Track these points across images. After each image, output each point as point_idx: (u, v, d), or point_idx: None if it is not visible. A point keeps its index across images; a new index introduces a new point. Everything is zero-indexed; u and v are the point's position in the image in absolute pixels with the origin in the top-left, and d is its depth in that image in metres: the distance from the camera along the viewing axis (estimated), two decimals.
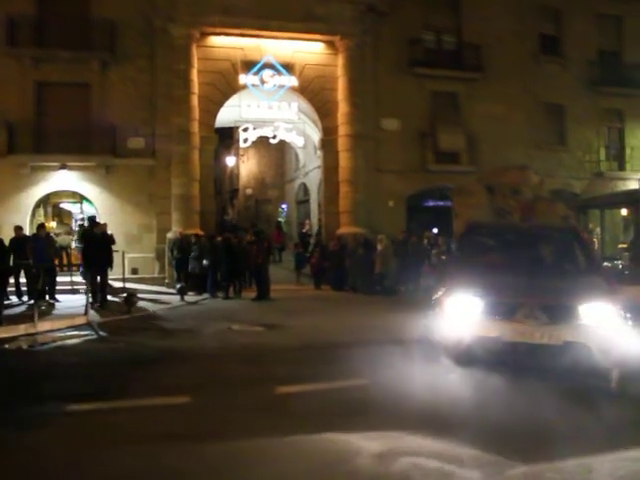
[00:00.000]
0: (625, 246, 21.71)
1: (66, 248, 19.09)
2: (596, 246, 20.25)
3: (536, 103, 24.24)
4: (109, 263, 14.91)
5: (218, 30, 20.72)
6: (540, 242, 8.26)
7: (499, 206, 9.31)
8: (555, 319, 6.62)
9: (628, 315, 6.73)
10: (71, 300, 14.68)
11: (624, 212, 22.80)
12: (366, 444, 4.92)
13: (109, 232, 15.78)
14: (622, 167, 26.20)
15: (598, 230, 20.16)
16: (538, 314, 6.64)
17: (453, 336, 7.03)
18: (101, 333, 10.71)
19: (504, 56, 23.43)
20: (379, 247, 18.31)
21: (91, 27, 19.79)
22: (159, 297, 16.48)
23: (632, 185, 25.21)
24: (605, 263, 7.92)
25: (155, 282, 18.64)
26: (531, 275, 7.19)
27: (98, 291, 14.29)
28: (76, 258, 18.23)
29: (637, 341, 6.64)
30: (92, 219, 18.16)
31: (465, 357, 7.08)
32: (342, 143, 21.80)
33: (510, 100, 23.51)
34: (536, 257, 7.97)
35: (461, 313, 6.97)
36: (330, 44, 21.88)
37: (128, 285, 17.03)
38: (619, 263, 8.15)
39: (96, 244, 14.58)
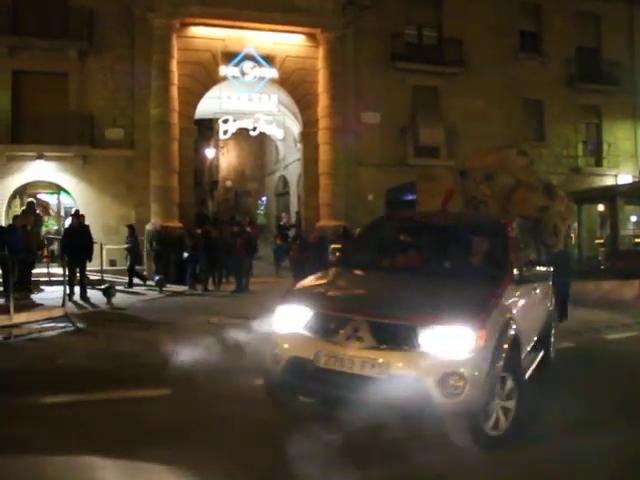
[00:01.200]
0: (602, 241, 22.07)
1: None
2: (573, 241, 20.49)
3: (515, 99, 24.42)
4: (88, 255, 14.75)
5: (198, 20, 20.57)
6: (451, 241, 6.60)
7: (471, 194, 7.85)
8: (385, 343, 4.73)
9: (496, 341, 4.78)
10: (49, 292, 14.53)
11: (601, 208, 23.12)
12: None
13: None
14: (599, 163, 26.53)
15: (575, 225, 20.39)
16: (364, 335, 4.77)
17: (273, 355, 5.27)
18: (79, 325, 10.61)
19: (484, 52, 23.56)
20: None
21: (69, 15, 19.54)
22: (137, 289, 16.38)
23: (609, 181, 25.60)
24: (542, 267, 6.17)
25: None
26: (396, 282, 5.69)
27: (76, 283, 14.19)
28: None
29: (497, 377, 4.81)
30: (30, 203, 18.03)
31: (279, 384, 5.32)
32: (322, 136, 21.78)
33: (490, 95, 23.66)
34: (429, 260, 6.46)
35: (286, 326, 5.29)
36: (311, 36, 21.83)
37: (106, 277, 16.89)
38: (549, 269, 6.79)
39: (74, 236, 14.44)
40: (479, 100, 23.44)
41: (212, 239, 17.34)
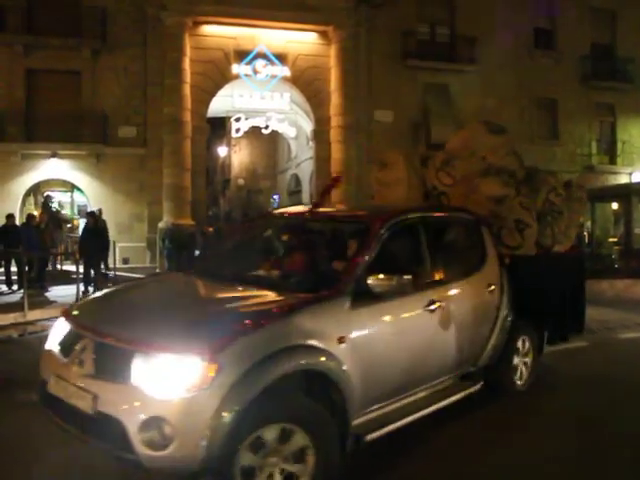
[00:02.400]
0: (616, 240, 21.88)
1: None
2: (587, 239, 20.32)
3: (529, 97, 24.29)
4: (102, 253, 14.79)
5: (211, 19, 20.61)
6: (307, 243, 5.33)
7: (431, 184, 6.61)
8: (102, 370, 3.70)
9: (247, 379, 3.46)
10: (62, 289, 14.59)
11: (615, 206, 22.93)
12: None
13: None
14: (613, 161, 26.34)
15: (589, 224, 20.24)
16: (87, 358, 3.79)
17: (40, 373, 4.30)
18: None
19: (497, 49, 23.38)
20: None
21: (82, 14, 19.66)
22: None
23: (623, 179, 25.40)
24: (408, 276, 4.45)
25: (146, 272, 18.54)
26: (183, 292, 4.86)
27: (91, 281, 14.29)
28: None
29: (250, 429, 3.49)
30: (46, 197, 18.05)
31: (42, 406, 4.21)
32: (334, 134, 21.77)
33: (503, 93, 23.51)
34: (264, 266, 5.29)
35: (51, 342, 4.33)
36: (323, 34, 21.81)
37: (120, 274, 16.93)
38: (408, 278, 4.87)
39: (89, 235, 14.54)
40: (492, 98, 23.28)
41: (224, 236, 17.37)
